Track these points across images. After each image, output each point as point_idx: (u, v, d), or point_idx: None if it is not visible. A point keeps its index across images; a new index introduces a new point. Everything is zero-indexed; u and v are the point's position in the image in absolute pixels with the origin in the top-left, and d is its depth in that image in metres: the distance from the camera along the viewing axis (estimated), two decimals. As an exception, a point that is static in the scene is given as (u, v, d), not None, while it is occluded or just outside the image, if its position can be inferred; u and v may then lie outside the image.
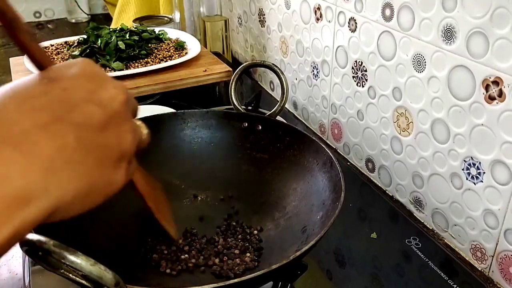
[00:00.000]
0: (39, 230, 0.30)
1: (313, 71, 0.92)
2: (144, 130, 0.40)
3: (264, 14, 1.08)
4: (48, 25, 1.62)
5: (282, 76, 0.69)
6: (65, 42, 1.10)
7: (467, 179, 0.61)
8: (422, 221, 0.72)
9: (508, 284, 0.59)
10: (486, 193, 0.59)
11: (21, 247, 0.36)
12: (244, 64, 0.71)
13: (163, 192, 0.58)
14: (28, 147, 0.28)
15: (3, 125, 0.28)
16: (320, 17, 0.85)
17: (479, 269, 0.63)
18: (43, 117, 0.29)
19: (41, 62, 0.33)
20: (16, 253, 0.66)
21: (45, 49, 1.07)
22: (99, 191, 0.33)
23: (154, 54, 1.04)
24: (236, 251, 0.57)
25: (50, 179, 0.28)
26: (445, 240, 0.68)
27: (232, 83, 0.71)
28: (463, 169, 0.62)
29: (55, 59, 1.02)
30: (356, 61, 0.78)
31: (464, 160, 0.61)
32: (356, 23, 0.76)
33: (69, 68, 0.33)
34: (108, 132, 0.32)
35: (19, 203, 0.27)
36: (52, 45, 1.09)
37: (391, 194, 0.78)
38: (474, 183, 0.60)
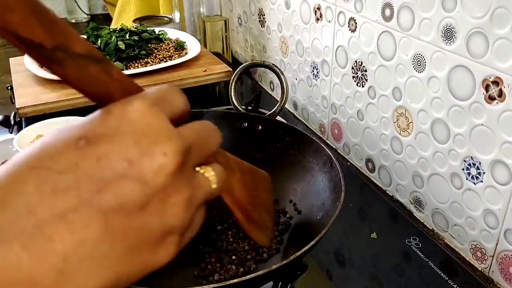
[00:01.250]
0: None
1: (313, 71, 0.92)
2: (214, 178, 0.31)
3: (264, 14, 1.08)
4: (48, 25, 1.62)
5: (282, 76, 0.69)
6: (65, 42, 1.10)
7: (467, 179, 0.61)
8: (422, 221, 0.72)
9: (508, 284, 0.59)
10: (486, 193, 0.59)
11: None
12: (244, 64, 0.72)
13: (263, 176, 0.48)
14: (39, 245, 0.23)
15: (17, 213, 0.23)
16: (320, 17, 0.85)
17: (479, 269, 0.63)
18: (65, 203, 0.24)
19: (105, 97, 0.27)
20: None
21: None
22: (132, 277, 0.27)
23: (154, 54, 1.04)
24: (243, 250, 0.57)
25: (63, 283, 0.24)
26: (445, 240, 0.68)
27: (232, 83, 0.71)
28: (463, 169, 0.62)
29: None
30: (356, 61, 0.78)
31: (464, 160, 0.61)
32: (356, 23, 0.76)
33: (116, 117, 0.26)
34: (148, 212, 0.26)
35: None
36: (52, 45, 1.09)
37: (391, 194, 0.78)
38: (474, 183, 0.60)
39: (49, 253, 0.23)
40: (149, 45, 1.06)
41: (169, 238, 0.28)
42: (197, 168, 0.30)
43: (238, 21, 1.23)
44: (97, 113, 0.27)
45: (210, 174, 0.30)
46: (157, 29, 1.13)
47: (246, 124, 0.68)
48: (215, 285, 0.41)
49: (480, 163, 0.59)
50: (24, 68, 0.98)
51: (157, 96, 0.28)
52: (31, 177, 0.24)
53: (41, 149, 0.25)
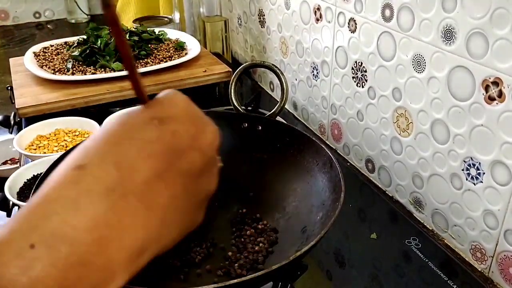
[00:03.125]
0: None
1: (313, 71, 0.92)
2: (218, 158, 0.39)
3: (264, 15, 1.08)
4: (48, 26, 1.62)
5: (282, 77, 0.69)
6: (65, 43, 1.10)
7: (467, 179, 0.61)
8: (422, 222, 0.72)
9: (508, 285, 0.59)
10: (486, 193, 0.59)
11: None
12: (244, 64, 0.72)
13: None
14: (149, 198, 0.29)
15: (128, 172, 0.28)
16: (320, 17, 0.85)
17: (479, 269, 0.63)
18: (159, 165, 0.30)
19: (143, 95, 0.33)
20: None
21: (45, 50, 1.07)
22: (187, 232, 0.34)
23: (154, 55, 1.04)
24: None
25: (163, 230, 0.30)
26: (445, 241, 0.68)
27: (232, 84, 0.71)
28: (463, 170, 0.62)
29: (55, 59, 1.02)
30: (356, 62, 0.78)
31: (464, 161, 0.61)
32: (356, 23, 0.76)
33: (171, 106, 0.33)
34: (203, 177, 0.33)
35: (137, 254, 0.28)
36: (52, 46, 1.09)
37: (391, 195, 0.78)
38: (474, 184, 0.60)
39: (156, 205, 0.29)
40: (149, 45, 1.06)
41: (205, 203, 0.36)
42: None
43: (238, 21, 1.23)
44: (149, 102, 0.33)
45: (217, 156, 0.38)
46: (157, 30, 1.13)
47: (246, 124, 0.68)
48: (215, 285, 0.41)
49: (480, 163, 0.59)
50: (24, 68, 0.98)
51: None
52: (130, 145, 0.29)
53: (125, 126, 0.31)
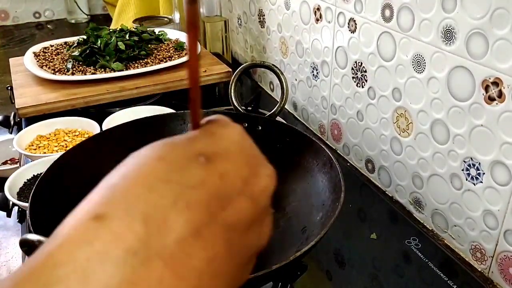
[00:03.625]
0: (39, 230, 0.30)
1: (312, 71, 0.92)
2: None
3: (264, 15, 1.08)
4: (48, 26, 1.62)
5: (282, 77, 0.69)
6: (65, 43, 1.10)
7: (466, 179, 0.61)
8: (422, 222, 0.72)
9: (508, 285, 0.59)
10: (486, 193, 0.59)
11: (21, 247, 0.36)
12: (244, 64, 0.72)
13: None
14: (180, 262, 0.23)
15: (157, 228, 0.23)
16: (320, 17, 0.85)
17: (479, 269, 0.63)
18: (199, 218, 0.24)
19: (198, 118, 0.28)
20: (16, 254, 0.66)
21: (45, 50, 1.07)
22: None
23: (154, 55, 1.04)
24: None
25: None
26: (445, 241, 0.68)
27: (232, 84, 0.71)
28: (462, 170, 0.62)
29: (55, 59, 1.02)
30: (356, 62, 0.78)
31: (464, 161, 0.61)
32: (355, 23, 0.76)
33: (223, 138, 0.27)
34: (253, 230, 0.28)
35: None
36: (52, 46, 1.09)
37: (390, 195, 0.78)
38: (474, 184, 0.60)
39: (189, 271, 0.23)
40: (149, 45, 1.06)
41: (254, 258, 0.30)
42: None
43: (238, 21, 1.23)
44: (197, 133, 0.28)
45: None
46: (157, 30, 1.13)
47: (246, 124, 0.68)
48: (215, 285, 0.41)
49: (479, 163, 0.59)
50: (24, 68, 0.98)
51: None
52: (166, 191, 0.24)
53: (164, 163, 0.25)
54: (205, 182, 0.25)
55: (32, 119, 0.87)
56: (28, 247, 0.36)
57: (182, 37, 1.13)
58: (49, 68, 0.98)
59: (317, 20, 0.86)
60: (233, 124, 0.29)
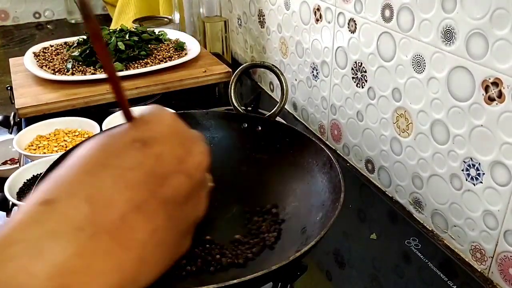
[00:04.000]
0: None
1: (312, 72, 0.92)
2: (209, 177, 0.36)
3: (264, 15, 1.08)
4: (48, 26, 1.62)
5: (281, 77, 0.69)
6: (65, 43, 1.10)
7: (466, 180, 0.61)
8: (422, 222, 0.72)
9: (508, 285, 0.59)
10: (486, 194, 0.59)
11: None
12: (244, 65, 0.71)
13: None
14: (124, 235, 0.26)
15: (101, 207, 0.25)
16: (320, 18, 0.85)
17: (479, 270, 0.63)
18: (138, 196, 0.27)
19: (128, 111, 0.31)
20: (15, 254, 0.65)
21: (45, 50, 1.07)
22: (171, 262, 0.31)
23: (153, 55, 1.04)
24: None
25: (141, 268, 0.26)
26: (445, 241, 0.68)
27: (231, 84, 0.71)
28: (462, 170, 0.62)
29: (55, 59, 1.02)
30: (355, 62, 0.78)
31: (464, 161, 0.61)
32: (355, 24, 0.76)
33: (156, 124, 0.31)
34: (189, 203, 0.31)
35: None
36: (51, 46, 1.09)
37: (390, 195, 0.78)
38: (474, 184, 0.60)
39: (133, 242, 0.26)
40: (149, 45, 1.06)
41: (192, 228, 0.33)
42: None
43: (238, 21, 1.23)
44: (133, 122, 0.31)
45: (208, 175, 0.35)
46: (157, 30, 1.13)
47: (246, 124, 0.68)
48: (215, 285, 0.41)
49: (479, 164, 0.59)
50: (24, 68, 0.98)
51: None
52: (106, 174, 0.27)
53: (103, 151, 0.28)
54: (142, 164, 0.28)
55: (32, 119, 0.87)
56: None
57: (182, 37, 1.13)
58: (49, 68, 0.98)
59: (317, 20, 0.86)
60: (166, 111, 0.32)
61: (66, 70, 0.97)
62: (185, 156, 0.30)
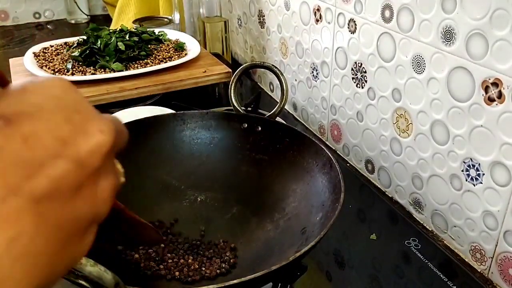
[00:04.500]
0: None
1: (312, 72, 0.92)
2: (121, 170, 0.29)
3: (264, 15, 1.08)
4: (48, 26, 1.62)
5: (281, 77, 0.69)
6: (65, 43, 1.10)
7: (466, 180, 0.61)
8: (422, 222, 0.72)
9: (508, 286, 0.59)
10: (486, 194, 0.59)
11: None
12: (244, 65, 0.71)
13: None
14: None
15: None
16: (320, 18, 0.85)
17: (479, 270, 0.63)
18: None
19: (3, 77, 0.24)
20: (15, 254, 0.66)
21: (45, 50, 1.07)
22: (61, 273, 0.24)
23: (153, 55, 1.04)
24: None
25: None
26: (445, 242, 0.68)
27: (231, 84, 0.71)
28: (462, 171, 0.62)
29: (55, 59, 1.02)
30: (355, 62, 0.78)
31: (464, 162, 0.61)
32: (355, 24, 0.76)
33: (35, 93, 0.23)
34: (80, 198, 0.23)
35: None
36: (51, 46, 1.09)
37: (390, 195, 0.78)
38: (474, 185, 0.60)
39: None
40: (149, 46, 1.06)
41: (92, 227, 0.25)
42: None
43: (238, 22, 1.23)
44: (4, 91, 0.23)
45: (120, 167, 0.29)
46: (157, 30, 1.13)
47: (246, 125, 0.68)
48: (216, 285, 0.41)
49: (479, 164, 0.59)
50: (24, 68, 0.98)
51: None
52: None
53: None
54: (3, 149, 0.21)
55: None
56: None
57: (182, 37, 1.13)
58: (49, 68, 0.98)
59: (317, 20, 0.87)
60: (57, 79, 0.25)
61: (66, 70, 0.97)
62: (73, 137, 0.23)
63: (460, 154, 0.61)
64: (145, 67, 0.99)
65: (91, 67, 0.98)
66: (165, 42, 1.10)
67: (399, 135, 0.72)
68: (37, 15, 1.65)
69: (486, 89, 0.55)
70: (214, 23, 1.18)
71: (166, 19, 1.28)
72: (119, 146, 0.27)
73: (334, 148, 0.91)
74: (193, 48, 1.08)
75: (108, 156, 0.24)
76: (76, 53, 1.00)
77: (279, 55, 1.04)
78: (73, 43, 1.07)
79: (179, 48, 1.07)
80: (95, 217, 0.25)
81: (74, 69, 0.97)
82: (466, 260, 0.64)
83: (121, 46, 1.00)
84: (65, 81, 0.25)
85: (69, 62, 0.99)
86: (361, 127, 0.81)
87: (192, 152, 0.69)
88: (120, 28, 1.08)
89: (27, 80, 0.24)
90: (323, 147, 0.60)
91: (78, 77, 0.94)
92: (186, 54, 1.05)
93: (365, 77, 0.77)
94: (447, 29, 0.59)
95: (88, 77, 0.94)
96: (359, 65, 0.77)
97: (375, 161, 0.80)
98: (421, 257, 0.63)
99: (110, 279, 0.36)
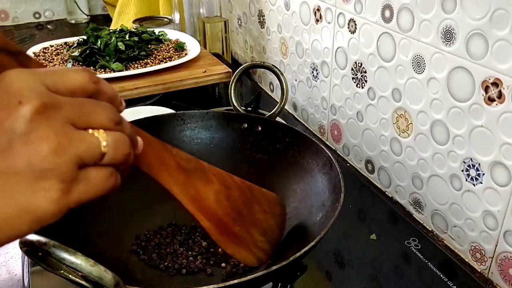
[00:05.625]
0: (39, 230, 0.30)
1: (312, 72, 0.92)
2: (105, 138, 0.30)
3: (264, 15, 1.08)
4: (48, 26, 1.62)
5: (281, 77, 0.69)
6: (65, 43, 1.10)
7: (466, 180, 0.61)
8: (422, 223, 0.72)
9: (508, 286, 0.59)
10: (486, 194, 0.59)
11: (21, 247, 0.36)
12: (244, 65, 0.71)
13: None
14: None
15: None
16: (320, 18, 0.85)
17: (479, 270, 0.63)
18: None
19: None
20: (15, 254, 0.66)
21: (45, 50, 1.07)
22: (12, 225, 0.28)
23: (154, 55, 1.04)
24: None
25: None
26: (445, 242, 0.68)
27: (232, 84, 0.71)
28: (462, 171, 0.62)
29: (55, 59, 1.02)
30: (355, 63, 0.78)
31: (464, 162, 0.61)
32: (355, 24, 0.76)
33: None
34: (14, 155, 0.27)
35: None
36: (51, 46, 1.09)
37: (390, 196, 0.78)
38: (474, 185, 0.60)
39: None
40: (149, 46, 1.06)
41: (45, 183, 0.28)
42: (90, 131, 0.30)
43: (238, 22, 1.23)
44: None
45: (99, 134, 0.30)
46: (157, 30, 1.13)
47: (246, 125, 0.68)
48: (216, 285, 0.41)
49: (479, 164, 0.59)
50: (24, 68, 0.98)
51: (46, 70, 0.30)
52: None
53: None
54: None
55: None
56: (28, 248, 0.36)
57: (182, 37, 1.13)
58: (49, 68, 0.98)
59: (317, 20, 0.87)
60: (16, 69, 0.29)
61: (66, 70, 0.97)
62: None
63: (460, 154, 0.61)
64: (145, 67, 0.99)
65: (91, 67, 0.98)
66: (165, 42, 1.10)
67: (399, 135, 0.72)
68: (37, 15, 1.65)
69: (486, 89, 0.55)
70: (214, 23, 1.18)
71: (166, 19, 1.28)
72: (90, 118, 0.30)
73: (334, 148, 0.91)
74: (193, 48, 1.08)
75: (37, 122, 0.27)
76: (76, 53, 1.00)
77: (279, 55, 1.04)
78: (73, 43, 1.07)
79: (179, 48, 1.07)
80: (40, 173, 0.28)
81: (74, 69, 0.97)
82: (466, 260, 0.64)
83: (121, 46, 1.00)
84: (23, 71, 0.28)
85: (69, 62, 0.99)
86: (361, 127, 0.81)
87: (192, 152, 0.68)
88: (120, 28, 1.08)
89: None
90: (323, 147, 0.60)
91: (78, 77, 0.94)
92: (186, 54, 1.05)
93: (365, 77, 0.77)
94: (447, 29, 0.59)
95: (88, 77, 0.94)
96: (359, 65, 0.77)
97: (375, 161, 0.80)
98: (421, 257, 0.63)
99: (110, 279, 0.36)
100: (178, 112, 0.70)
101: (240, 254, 0.46)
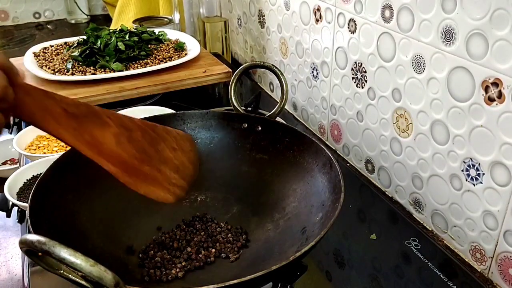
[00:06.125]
0: (39, 231, 0.30)
1: (312, 72, 0.92)
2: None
3: (264, 15, 1.08)
4: (48, 26, 1.62)
5: (281, 77, 0.69)
6: (65, 43, 1.10)
7: (466, 180, 0.61)
8: (422, 222, 0.72)
9: (508, 286, 0.59)
10: (486, 194, 0.59)
11: (21, 247, 0.36)
12: (244, 65, 0.71)
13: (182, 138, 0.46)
14: None
15: None
16: (320, 18, 0.85)
17: (479, 270, 0.63)
18: None
19: None
20: (15, 254, 0.66)
21: (45, 50, 1.07)
22: None
23: (153, 55, 1.04)
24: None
25: None
26: (445, 241, 0.68)
27: (231, 84, 0.71)
28: (462, 170, 0.62)
29: (55, 59, 1.02)
30: (355, 62, 0.78)
31: (464, 161, 0.61)
32: (355, 24, 0.76)
33: None
34: None
35: None
36: (51, 46, 1.09)
37: (390, 195, 0.78)
38: (474, 184, 0.60)
39: None
40: (149, 46, 1.06)
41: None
42: None
43: (238, 22, 1.23)
44: None
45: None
46: (157, 30, 1.13)
47: (246, 125, 0.68)
48: (216, 285, 0.41)
49: (479, 164, 0.59)
50: (24, 68, 0.98)
51: None
52: None
53: None
54: None
55: (32, 119, 0.87)
56: (28, 248, 0.36)
57: (182, 37, 1.13)
58: (49, 68, 0.98)
59: (317, 20, 0.87)
60: None
61: (66, 70, 0.97)
62: None
63: (460, 154, 0.61)
64: (145, 67, 0.99)
65: (91, 67, 0.98)
66: (165, 42, 1.10)
67: (399, 135, 0.72)
68: (37, 15, 1.65)
69: (486, 89, 0.55)
70: (214, 23, 1.18)
71: (166, 19, 1.28)
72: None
73: (334, 148, 0.91)
74: (193, 48, 1.08)
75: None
76: (76, 53, 1.00)
77: (279, 55, 1.04)
78: (73, 43, 1.07)
79: (179, 48, 1.07)
80: None
81: (74, 69, 0.97)
82: (466, 260, 0.64)
83: (121, 46, 1.00)
84: None
85: (69, 62, 0.99)
86: (361, 127, 0.81)
87: (192, 152, 0.69)
88: (120, 28, 1.08)
89: None
90: (323, 147, 0.60)
91: (78, 77, 0.94)
92: (186, 54, 1.05)
93: (365, 77, 0.77)
94: (447, 29, 0.59)
95: (88, 77, 0.94)
96: (359, 65, 0.77)
97: (375, 161, 0.80)
98: (421, 257, 0.63)
99: (110, 279, 0.36)
100: (178, 112, 0.70)
101: (155, 193, 0.45)
